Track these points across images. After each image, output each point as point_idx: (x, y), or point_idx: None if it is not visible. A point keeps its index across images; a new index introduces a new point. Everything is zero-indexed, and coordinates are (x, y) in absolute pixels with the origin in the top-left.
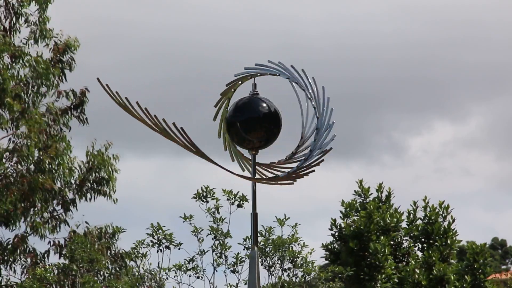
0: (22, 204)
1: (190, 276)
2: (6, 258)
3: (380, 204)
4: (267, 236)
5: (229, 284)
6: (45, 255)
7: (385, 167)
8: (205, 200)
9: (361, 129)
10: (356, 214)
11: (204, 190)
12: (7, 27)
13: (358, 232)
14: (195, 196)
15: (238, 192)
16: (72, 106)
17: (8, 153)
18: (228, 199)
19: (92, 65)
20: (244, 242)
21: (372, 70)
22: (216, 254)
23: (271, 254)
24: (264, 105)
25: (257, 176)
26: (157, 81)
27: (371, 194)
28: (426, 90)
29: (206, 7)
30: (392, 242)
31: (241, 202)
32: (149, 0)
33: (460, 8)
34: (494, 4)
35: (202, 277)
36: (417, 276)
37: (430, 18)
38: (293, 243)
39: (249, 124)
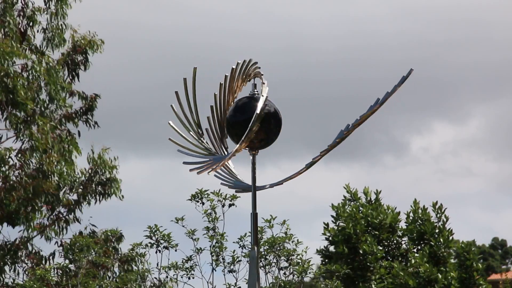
0: (27, 208)
1: (182, 276)
2: (10, 259)
3: (369, 205)
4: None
5: (228, 284)
6: (51, 257)
7: (386, 168)
8: (200, 202)
9: (361, 130)
10: (344, 218)
11: (199, 192)
12: (22, 31)
13: (346, 235)
14: (190, 199)
15: (226, 194)
16: (81, 111)
17: (13, 156)
18: (219, 201)
19: (96, 67)
20: (240, 242)
21: (373, 70)
22: (213, 255)
23: (265, 254)
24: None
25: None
26: (161, 83)
27: (360, 197)
28: (426, 90)
29: (211, 9)
30: (386, 243)
31: (232, 200)
32: (154, 2)
33: (461, 7)
34: (496, 4)
35: (193, 277)
36: (401, 279)
37: (431, 18)
38: (287, 240)
39: (249, 124)
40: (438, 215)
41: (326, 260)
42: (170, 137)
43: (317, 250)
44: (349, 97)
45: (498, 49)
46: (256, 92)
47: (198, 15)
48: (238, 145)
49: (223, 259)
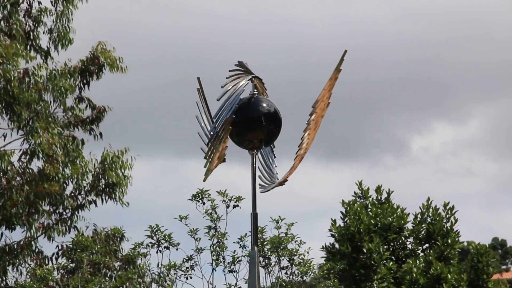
0: (30, 211)
1: (180, 276)
2: (12, 260)
3: (379, 205)
4: (259, 236)
5: (228, 283)
6: (53, 257)
7: (386, 168)
8: (201, 202)
9: (362, 130)
10: (353, 216)
11: (200, 192)
12: (27, 33)
13: (349, 234)
14: (191, 198)
15: (232, 196)
16: (87, 120)
17: (15, 161)
18: (223, 201)
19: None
20: (240, 242)
21: (375, 71)
22: (214, 255)
23: (268, 253)
24: (264, 105)
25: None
26: (161, 83)
27: (371, 195)
28: (426, 90)
29: (211, 10)
30: (392, 244)
31: (237, 202)
32: (154, 3)
33: (462, 8)
34: (496, 4)
35: (191, 277)
36: (414, 275)
37: (432, 19)
38: (291, 241)
39: (249, 124)
40: (448, 216)
41: (330, 257)
42: (201, 146)
43: (323, 246)
44: (349, 97)
45: (498, 50)
46: (256, 92)
47: (199, 16)
48: (208, 154)
49: (223, 258)
